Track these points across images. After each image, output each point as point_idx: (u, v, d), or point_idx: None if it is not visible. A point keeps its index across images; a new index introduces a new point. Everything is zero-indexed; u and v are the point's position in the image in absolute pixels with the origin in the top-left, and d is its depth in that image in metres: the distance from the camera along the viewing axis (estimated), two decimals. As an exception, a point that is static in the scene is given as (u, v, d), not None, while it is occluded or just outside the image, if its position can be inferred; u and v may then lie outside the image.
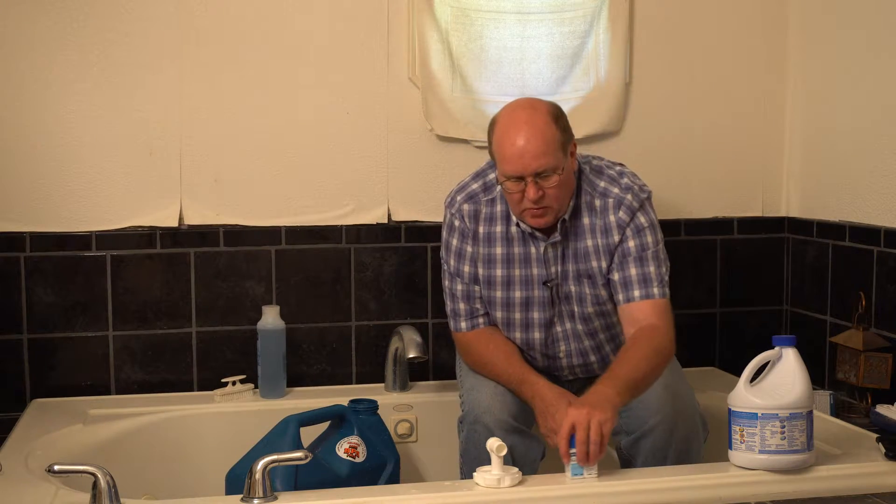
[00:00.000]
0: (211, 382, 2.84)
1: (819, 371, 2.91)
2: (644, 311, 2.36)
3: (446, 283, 2.53)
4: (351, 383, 2.96)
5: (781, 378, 2.14)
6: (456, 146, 2.97)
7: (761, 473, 2.11)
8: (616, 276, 2.39)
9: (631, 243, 2.39)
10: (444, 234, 2.53)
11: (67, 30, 2.75)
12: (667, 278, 2.42)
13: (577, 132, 2.94)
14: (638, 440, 2.32)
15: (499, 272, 2.45)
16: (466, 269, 2.47)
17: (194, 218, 2.86)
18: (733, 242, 3.17)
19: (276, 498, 1.99)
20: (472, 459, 2.33)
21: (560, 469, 2.12)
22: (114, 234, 2.82)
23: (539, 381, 2.34)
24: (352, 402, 2.59)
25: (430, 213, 2.96)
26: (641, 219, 2.40)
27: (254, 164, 2.88)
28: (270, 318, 2.79)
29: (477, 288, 2.47)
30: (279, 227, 2.90)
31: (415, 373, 2.94)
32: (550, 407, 2.26)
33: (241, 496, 1.99)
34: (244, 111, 2.86)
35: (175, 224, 2.85)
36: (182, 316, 2.87)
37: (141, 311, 2.84)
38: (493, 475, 2.05)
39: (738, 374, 2.17)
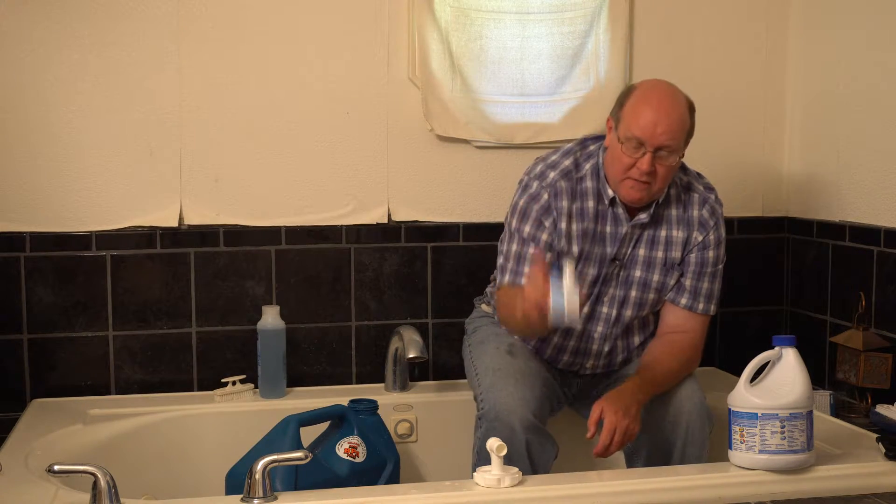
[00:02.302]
0: (211, 382, 2.84)
1: (819, 371, 2.91)
2: (696, 324, 2.50)
3: (514, 246, 2.46)
4: (351, 383, 2.96)
5: (781, 378, 2.14)
6: (456, 146, 2.97)
7: (761, 473, 2.11)
8: (688, 283, 2.48)
9: (711, 254, 2.49)
10: (521, 203, 2.47)
11: (67, 30, 2.75)
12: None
13: (577, 132, 2.97)
14: (641, 434, 2.33)
15: (584, 247, 2.44)
16: (545, 237, 2.44)
17: (194, 218, 2.86)
18: (733, 242, 3.16)
19: (276, 498, 1.99)
20: (486, 458, 2.32)
21: (571, 470, 2.13)
22: (114, 234, 2.82)
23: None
24: (352, 402, 2.59)
25: (430, 212, 2.96)
26: (722, 229, 2.51)
27: (254, 164, 2.88)
28: (270, 318, 2.79)
29: (549, 255, 2.43)
30: (279, 227, 2.90)
31: (415, 373, 2.94)
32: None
33: (241, 496, 1.99)
34: (244, 111, 2.86)
35: (175, 224, 2.85)
36: (182, 316, 2.87)
37: (141, 311, 2.84)
38: (493, 475, 2.05)
39: (738, 374, 2.17)
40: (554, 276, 2.13)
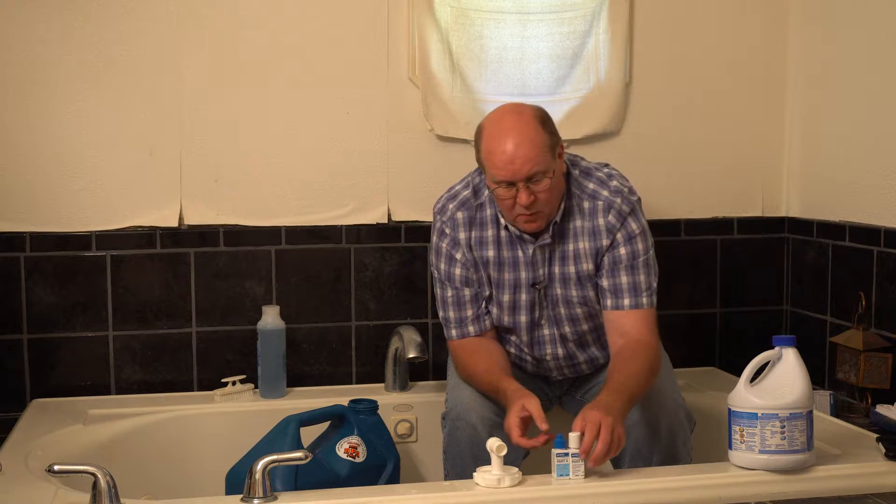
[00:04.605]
0: (211, 382, 2.84)
1: (819, 371, 2.91)
2: (632, 321, 2.38)
3: (437, 291, 2.52)
4: (351, 383, 2.96)
5: (781, 378, 2.14)
6: (456, 146, 2.97)
7: (761, 473, 2.11)
8: (605, 283, 2.41)
9: (622, 250, 2.40)
10: (433, 239, 2.51)
11: (68, 30, 2.75)
12: (655, 286, 2.43)
13: (577, 132, 2.97)
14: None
15: (490, 274, 2.45)
16: (457, 271, 2.46)
17: (194, 218, 2.86)
18: (733, 242, 3.17)
19: (276, 498, 1.99)
20: (453, 456, 2.34)
21: (545, 468, 2.13)
22: (114, 234, 2.82)
23: (510, 386, 2.30)
24: (352, 402, 2.59)
25: (430, 213, 2.95)
26: (633, 225, 2.41)
27: (254, 164, 2.88)
28: (270, 318, 2.79)
29: (467, 291, 2.46)
30: (279, 227, 2.90)
31: (415, 373, 2.94)
32: (511, 405, 2.23)
33: (241, 496, 1.99)
34: (244, 111, 2.86)
35: (175, 224, 2.85)
36: (182, 316, 2.87)
37: (141, 311, 2.84)
38: (493, 475, 2.05)
39: (738, 374, 2.17)
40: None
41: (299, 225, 2.91)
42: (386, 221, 2.96)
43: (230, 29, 2.84)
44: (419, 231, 2.97)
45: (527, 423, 2.18)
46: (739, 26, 3.12)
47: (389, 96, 2.93)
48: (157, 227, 2.84)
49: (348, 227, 2.94)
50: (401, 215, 2.96)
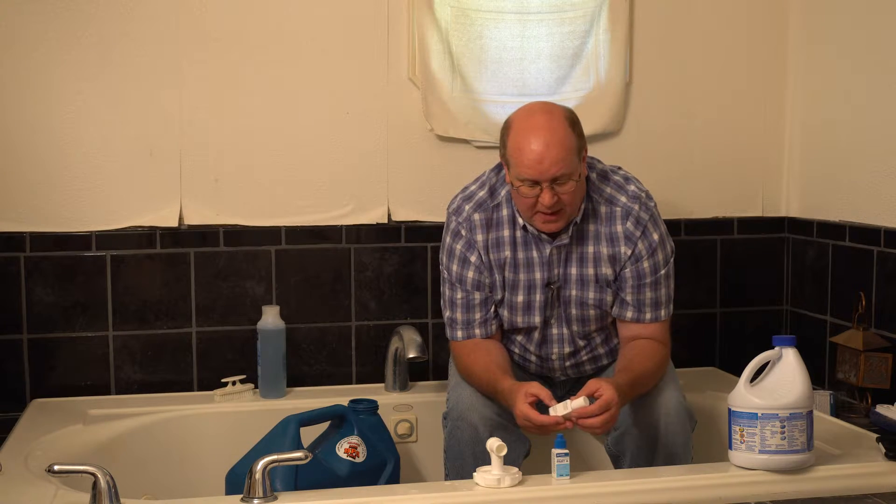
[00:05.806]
0: (211, 382, 2.84)
1: (819, 371, 2.91)
2: (649, 331, 2.44)
3: (446, 291, 2.51)
4: (351, 383, 2.96)
5: (781, 378, 2.14)
6: (456, 146, 2.97)
7: (761, 473, 2.11)
8: (629, 298, 2.43)
9: (646, 264, 2.42)
10: (447, 239, 2.50)
11: (68, 30, 2.75)
12: (673, 293, 2.48)
13: (577, 132, 2.96)
14: (623, 435, 2.34)
15: (506, 275, 2.45)
16: (470, 274, 2.46)
17: (194, 218, 2.86)
18: (733, 242, 3.17)
19: (276, 498, 1.99)
20: (454, 456, 2.35)
21: (545, 468, 2.13)
22: (114, 234, 2.82)
23: (507, 383, 2.30)
24: (352, 402, 2.59)
25: (430, 213, 2.96)
26: (654, 235, 2.42)
27: (254, 164, 2.88)
28: (270, 318, 2.79)
29: (478, 294, 2.46)
30: (279, 227, 2.91)
31: (415, 373, 2.94)
32: (515, 396, 2.24)
33: (241, 496, 1.99)
34: (244, 111, 2.86)
35: (175, 224, 2.85)
36: (182, 316, 2.87)
37: (141, 311, 2.84)
38: (493, 475, 2.05)
39: (738, 374, 2.17)
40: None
41: (299, 225, 2.91)
42: (386, 221, 2.96)
43: (230, 29, 2.84)
44: (419, 231, 2.97)
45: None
46: (739, 26, 3.12)
47: (389, 96, 2.93)
48: (157, 227, 2.84)
49: (348, 227, 2.94)
50: (401, 215, 2.96)
